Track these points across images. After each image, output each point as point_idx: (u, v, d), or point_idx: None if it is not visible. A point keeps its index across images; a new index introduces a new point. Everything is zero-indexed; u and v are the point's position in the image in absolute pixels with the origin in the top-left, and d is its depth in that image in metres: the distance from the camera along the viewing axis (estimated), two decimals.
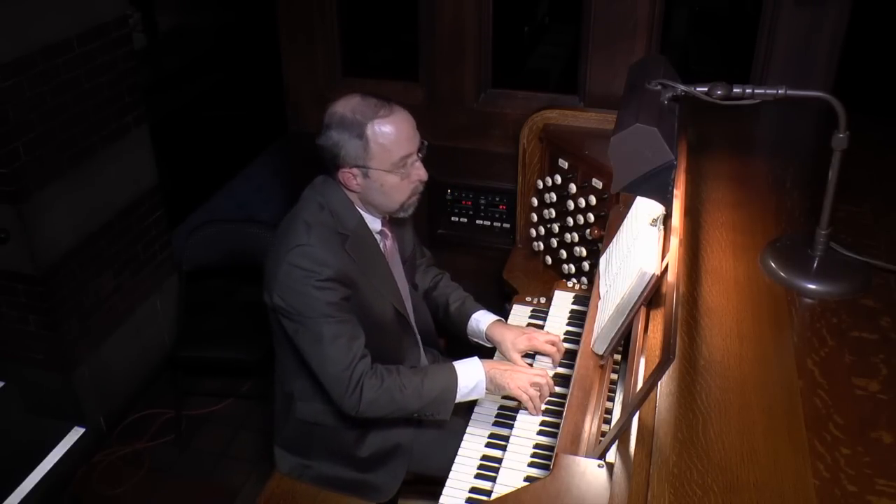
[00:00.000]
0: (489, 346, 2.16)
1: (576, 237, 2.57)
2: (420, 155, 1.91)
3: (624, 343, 1.81)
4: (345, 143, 1.83)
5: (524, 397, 1.93)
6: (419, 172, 1.91)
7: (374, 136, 1.83)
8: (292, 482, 2.10)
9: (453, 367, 1.95)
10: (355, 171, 1.87)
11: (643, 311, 1.71)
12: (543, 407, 1.97)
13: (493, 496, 1.73)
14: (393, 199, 1.92)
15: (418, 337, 2.19)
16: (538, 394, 1.93)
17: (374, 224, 1.99)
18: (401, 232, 2.14)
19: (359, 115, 1.83)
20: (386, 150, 1.84)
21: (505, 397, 2.05)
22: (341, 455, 2.06)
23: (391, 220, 2.06)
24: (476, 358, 1.98)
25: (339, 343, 1.84)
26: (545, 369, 2.03)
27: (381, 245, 2.02)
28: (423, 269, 2.33)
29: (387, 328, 2.01)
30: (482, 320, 2.17)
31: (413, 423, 2.08)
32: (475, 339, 2.21)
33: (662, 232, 1.83)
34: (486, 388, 1.95)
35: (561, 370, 2.08)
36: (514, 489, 1.65)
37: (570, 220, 2.56)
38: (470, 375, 1.94)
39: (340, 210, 1.92)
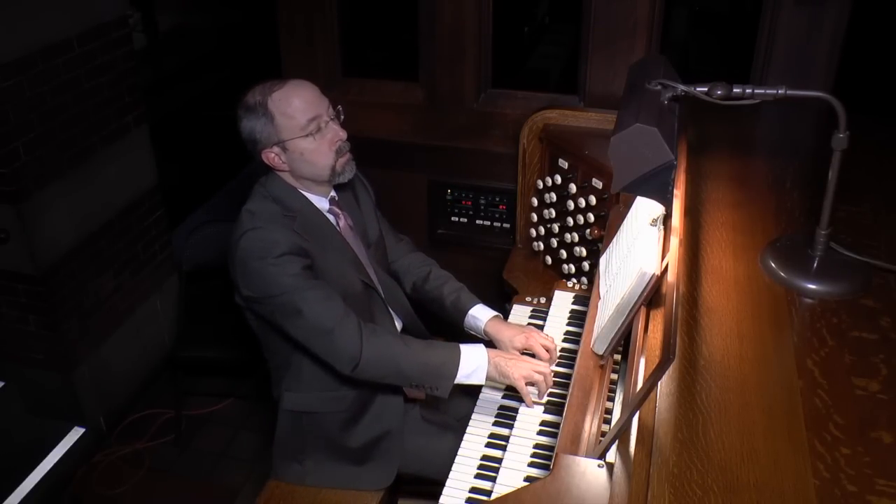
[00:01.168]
0: (486, 339, 2.16)
1: (576, 237, 2.57)
2: (332, 118, 1.95)
3: (624, 343, 1.81)
4: (254, 126, 1.90)
5: (524, 390, 1.94)
6: (335, 132, 1.94)
7: (276, 108, 1.88)
8: (291, 484, 2.10)
9: (458, 345, 1.96)
10: (275, 149, 1.92)
11: (643, 311, 1.71)
12: (544, 400, 1.98)
13: (493, 496, 1.73)
14: (319, 164, 1.94)
15: (392, 313, 2.18)
16: (541, 380, 1.94)
17: (322, 203, 2.01)
18: (358, 216, 2.14)
19: (258, 97, 1.90)
20: (290, 117, 1.89)
21: (505, 396, 2.06)
22: (333, 447, 2.07)
23: (343, 200, 2.08)
24: (482, 344, 1.99)
25: (316, 307, 1.86)
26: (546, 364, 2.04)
27: (335, 223, 2.03)
28: (406, 256, 2.32)
29: (355, 298, 2.00)
30: (480, 317, 2.17)
31: (402, 408, 2.09)
32: (472, 334, 2.20)
33: (662, 232, 1.83)
34: (489, 375, 1.96)
35: (561, 370, 2.08)
36: (514, 489, 1.65)
37: (570, 220, 2.56)
38: (473, 358, 1.94)
39: (283, 196, 1.96)
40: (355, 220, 2.12)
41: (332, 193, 2.05)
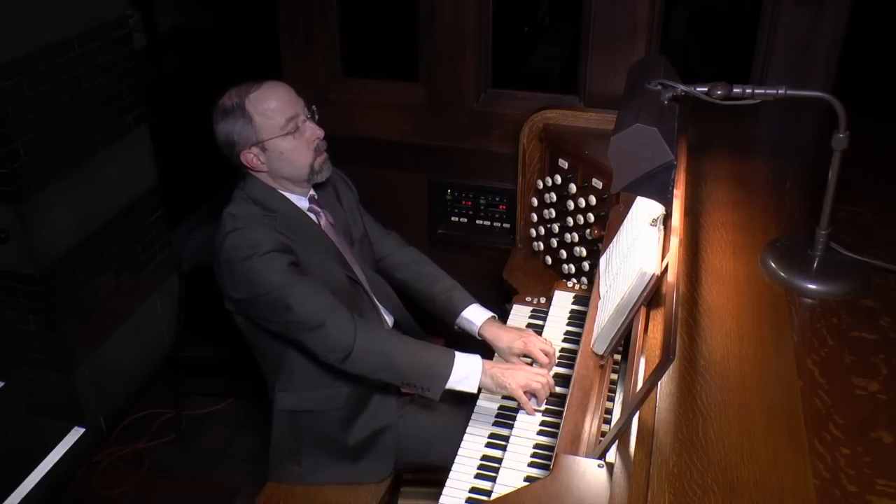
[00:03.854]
0: (480, 341, 2.15)
1: (576, 237, 2.57)
2: (309, 116, 1.97)
3: (624, 343, 1.81)
4: (232, 128, 1.91)
5: (523, 399, 1.92)
6: (313, 130, 1.97)
7: (254, 108, 1.90)
8: (290, 484, 2.10)
9: (453, 350, 1.96)
10: (253, 150, 1.93)
11: (643, 311, 1.71)
12: (543, 407, 1.97)
13: (493, 496, 1.73)
14: (298, 162, 1.96)
15: (380, 308, 2.18)
16: (540, 388, 1.93)
17: (301, 202, 2.03)
18: (340, 214, 2.15)
19: (235, 99, 1.92)
20: (269, 117, 1.91)
21: (505, 397, 2.06)
22: (330, 445, 2.07)
23: (323, 199, 2.09)
24: (478, 355, 1.98)
25: (305, 302, 1.86)
26: (545, 370, 2.03)
27: (316, 221, 2.05)
28: (396, 252, 2.31)
29: (342, 294, 2.00)
30: (473, 320, 2.15)
31: (398, 406, 2.10)
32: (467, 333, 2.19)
33: (662, 232, 1.83)
34: (484, 385, 1.94)
35: (561, 370, 2.08)
36: (514, 489, 1.65)
37: (570, 220, 2.56)
38: (467, 364, 1.93)
39: (263, 197, 1.97)
40: (337, 218, 2.13)
41: (312, 192, 2.07)
